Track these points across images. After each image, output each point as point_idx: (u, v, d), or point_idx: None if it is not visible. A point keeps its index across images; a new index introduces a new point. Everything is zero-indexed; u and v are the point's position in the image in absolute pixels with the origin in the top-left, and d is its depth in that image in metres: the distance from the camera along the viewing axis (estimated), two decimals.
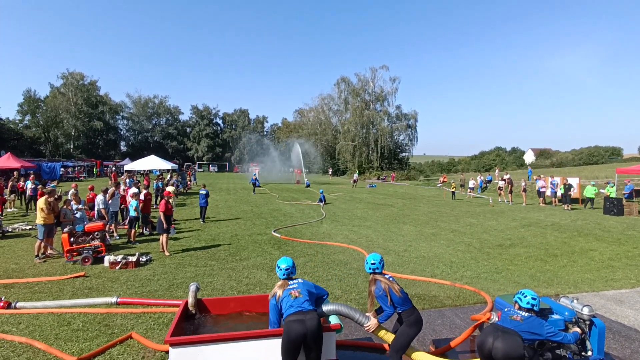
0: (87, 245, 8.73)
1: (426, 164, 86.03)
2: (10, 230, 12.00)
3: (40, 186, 16.12)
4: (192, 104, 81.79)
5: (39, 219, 8.70)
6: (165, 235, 9.27)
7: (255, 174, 30.13)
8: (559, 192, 19.48)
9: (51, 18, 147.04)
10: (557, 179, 20.30)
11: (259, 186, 28.70)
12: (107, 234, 9.97)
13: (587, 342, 3.85)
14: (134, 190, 11.57)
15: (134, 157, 49.38)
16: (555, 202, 19.91)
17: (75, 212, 10.43)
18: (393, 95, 54.72)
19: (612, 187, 18.05)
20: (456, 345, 4.49)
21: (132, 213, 10.58)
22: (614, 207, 16.42)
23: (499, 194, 22.97)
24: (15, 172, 20.21)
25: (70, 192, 11.75)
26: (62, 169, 34.65)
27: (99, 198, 11.10)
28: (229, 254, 9.25)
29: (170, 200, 10.05)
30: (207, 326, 4.11)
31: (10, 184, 17.51)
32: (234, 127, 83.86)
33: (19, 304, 5.69)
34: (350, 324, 4.96)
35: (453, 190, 24.69)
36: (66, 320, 5.23)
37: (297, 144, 45.03)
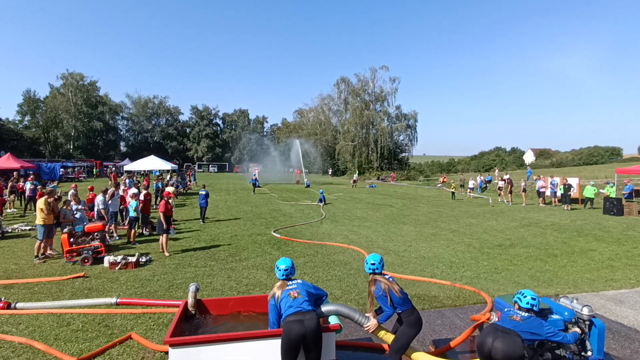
0: (87, 245, 8.72)
1: (426, 164, 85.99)
2: (9, 230, 12.00)
3: (39, 187, 16.11)
4: (192, 104, 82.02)
5: (39, 219, 8.70)
6: (165, 235, 9.27)
7: (255, 174, 30.13)
8: (559, 192, 19.50)
9: (51, 18, 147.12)
10: (557, 179, 20.31)
11: (259, 186, 28.71)
12: (106, 235, 9.97)
13: (587, 342, 3.84)
14: (133, 190, 11.57)
15: (133, 158, 49.36)
16: (555, 202, 19.92)
17: (75, 212, 10.43)
18: (393, 96, 54.80)
19: (612, 187, 18.05)
20: (456, 346, 4.49)
21: (132, 213, 10.58)
22: (613, 207, 16.43)
23: (499, 194, 22.97)
24: (14, 173, 20.20)
25: (69, 193, 11.74)
26: (61, 169, 34.65)
27: (99, 198, 11.09)
28: (228, 255, 9.25)
29: (170, 201, 10.05)
30: (207, 327, 4.11)
31: (9, 184, 17.50)
32: (233, 127, 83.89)
33: (18, 305, 5.68)
34: (350, 324, 4.96)
35: (453, 190, 24.70)
36: (66, 321, 5.23)
37: (296, 141, 45.07)
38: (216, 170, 70.53)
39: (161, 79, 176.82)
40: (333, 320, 3.66)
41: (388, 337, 3.72)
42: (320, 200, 20.22)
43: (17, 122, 59.89)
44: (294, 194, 27.06)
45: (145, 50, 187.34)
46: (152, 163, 27.92)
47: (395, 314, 3.68)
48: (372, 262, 3.79)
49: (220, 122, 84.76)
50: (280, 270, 3.75)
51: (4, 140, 48.88)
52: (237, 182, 38.57)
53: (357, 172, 46.02)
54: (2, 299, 5.72)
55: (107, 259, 8.04)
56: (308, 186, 33.44)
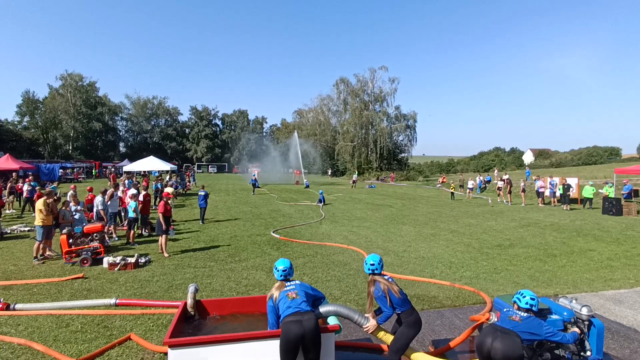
0: (86, 246, 8.71)
1: (425, 165, 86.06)
2: (8, 231, 11.98)
3: (38, 187, 16.09)
4: (191, 105, 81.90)
5: (38, 220, 8.68)
6: (164, 236, 9.26)
7: (254, 175, 30.12)
8: (558, 193, 19.52)
9: (50, 19, 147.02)
10: (556, 179, 20.33)
11: (259, 187, 28.71)
12: (106, 236, 9.96)
13: (586, 342, 3.85)
14: (132, 191, 11.56)
15: (133, 158, 49.31)
16: (554, 202, 19.94)
17: (74, 213, 10.42)
18: (392, 96, 54.82)
19: (611, 187, 18.08)
20: (455, 346, 4.49)
21: (131, 214, 10.57)
22: (612, 207, 16.45)
23: (498, 195, 22.99)
24: (13, 174, 20.18)
25: (68, 194, 11.73)
26: (60, 170, 34.60)
27: (98, 199, 11.08)
28: (228, 255, 9.24)
29: (169, 202, 10.04)
30: (206, 327, 4.11)
31: (8, 185, 17.48)
32: (233, 127, 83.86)
33: (17, 306, 5.67)
34: (349, 324, 4.96)
35: (452, 190, 24.71)
36: (65, 322, 5.22)
37: (295, 135, 45.08)
38: (215, 171, 70.51)
39: (161, 79, 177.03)
40: (332, 321, 3.66)
41: (387, 338, 3.72)
42: (320, 201, 20.22)
43: (16, 122, 59.78)
44: (293, 194, 27.07)
45: (145, 51, 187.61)
46: (151, 164, 27.92)
47: (394, 315, 3.68)
48: (372, 262, 3.79)
49: (219, 122, 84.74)
50: (278, 271, 3.76)
51: (3, 141, 48.82)
52: (237, 183, 38.57)
53: (356, 172, 46.03)
54: (1, 300, 5.71)
55: (106, 260, 8.03)
56: (307, 186, 33.45)
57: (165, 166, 28.48)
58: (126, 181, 17.62)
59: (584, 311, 3.88)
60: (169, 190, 15.05)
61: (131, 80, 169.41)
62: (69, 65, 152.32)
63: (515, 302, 3.63)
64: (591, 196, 18.47)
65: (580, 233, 12.27)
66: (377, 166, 52.84)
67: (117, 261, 7.93)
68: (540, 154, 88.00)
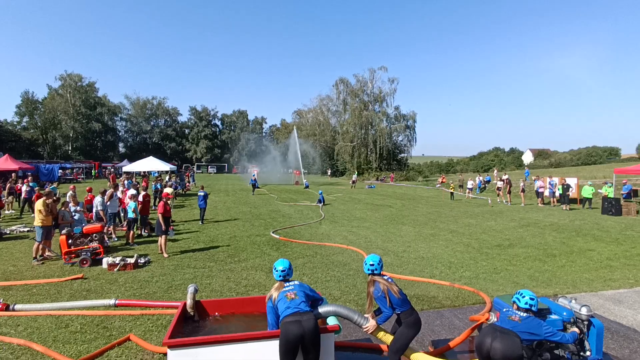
0: (85, 247, 8.70)
1: (425, 165, 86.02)
2: (8, 232, 11.96)
3: (37, 188, 16.07)
4: (191, 105, 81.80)
5: (37, 221, 8.67)
6: (163, 236, 9.26)
7: (254, 175, 30.13)
8: (557, 193, 19.54)
9: (49, 19, 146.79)
10: (556, 179, 20.36)
11: (258, 187, 28.71)
12: (105, 236, 9.95)
13: (586, 342, 3.85)
14: (132, 191, 11.56)
15: (132, 159, 49.27)
16: (553, 202, 19.97)
17: (74, 214, 10.42)
18: (392, 96, 54.90)
19: (610, 187, 18.09)
20: (455, 346, 4.49)
21: (131, 215, 10.56)
22: (612, 207, 16.47)
23: (498, 195, 23.01)
24: (13, 174, 20.16)
25: (68, 194, 11.73)
26: (60, 170, 34.56)
27: (97, 200, 11.07)
28: (227, 255, 9.24)
29: (169, 202, 10.04)
30: (206, 328, 4.11)
31: (8, 185, 17.47)
32: (232, 128, 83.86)
33: (17, 306, 5.67)
34: (349, 325, 4.96)
35: (452, 190, 24.73)
36: (64, 323, 5.22)
37: (294, 131, 45.11)
38: (215, 171, 70.49)
39: (160, 79, 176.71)
40: (332, 321, 3.66)
41: (387, 338, 3.72)
42: (319, 201, 20.22)
43: (15, 123, 59.75)
44: (292, 194, 27.07)
45: (144, 51, 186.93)
46: (150, 164, 27.91)
47: (394, 315, 3.68)
48: (371, 262, 3.79)
49: (219, 123, 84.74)
50: (277, 271, 3.76)
51: (2, 142, 48.79)
52: (236, 183, 38.56)
53: (356, 172, 46.05)
54: (1, 301, 5.70)
55: (106, 261, 8.03)
56: (307, 187, 33.45)
57: (165, 167, 28.47)
58: (125, 182, 17.62)
59: (584, 311, 3.88)
60: (168, 190, 15.05)
61: (131, 81, 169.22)
62: (68, 65, 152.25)
63: (514, 302, 3.64)
64: (590, 196, 18.48)
65: (580, 233, 12.28)
66: (377, 166, 52.87)
67: (117, 262, 7.92)
68: (539, 154, 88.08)
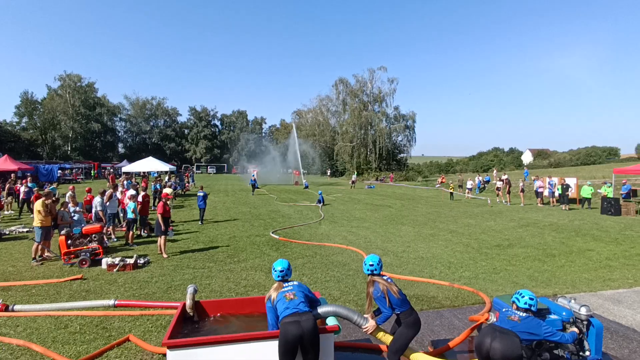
0: (85, 247, 8.69)
1: (424, 165, 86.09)
2: (7, 232, 11.95)
3: (36, 188, 16.05)
4: (190, 106, 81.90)
5: (36, 221, 8.67)
6: (163, 237, 9.25)
7: (253, 175, 30.15)
8: (557, 193, 19.55)
9: (49, 19, 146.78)
10: (555, 179, 20.38)
11: (258, 187, 28.70)
12: (104, 237, 9.93)
13: (585, 342, 3.85)
14: (131, 192, 11.55)
15: (131, 159, 49.28)
16: (553, 202, 19.98)
17: (73, 214, 10.40)
18: (391, 96, 54.95)
19: (609, 187, 18.11)
20: (454, 346, 4.49)
21: (130, 215, 10.55)
22: (611, 207, 16.49)
23: (497, 195, 23.02)
24: (12, 175, 20.14)
25: (67, 194, 11.71)
26: (59, 171, 34.54)
27: (97, 200, 11.06)
28: (227, 256, 9.23)
29: (168, 202, 10.03)
30: (205, 328, 4.10)
31: (7, 186, 17.44)
32: (232, 128, 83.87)
33: (16, 307, 5.66)
34: (348, 325, 4.96)
35: (451, 191, 24.74)
36: (63, 323, 5.21)
37: (294, 130, 45.11)
38: (214, 172, 70.48)
39: (160, 79, 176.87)
40: (331, 322, 3.65)
41: (386, 338, 3.72)
42: (319, 201, 20.22)
43: (14, 123, 59.72)
44: (292, 194, 27.06)
45: (144, 51, 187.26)
46: (150, 164, 27.95)
47: (393, 315, 3.68)
48: (371, 263, 3.79)
49: (218, 123, 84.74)
50: (276, 271, 3.76)
51: (1, 142, 48.79)
52: (236, 184, 38.56)
53: (355, 172, 46.07)
54: (0, 301, 5.70)
55: (105, 261, 8.02)
56: (307, 187, 33.45)
57: (164, 167, 28.50)
58: (125, 182, 17.59)
59: (583, 311, 3.88)
60: (167, 191, 15.06)
61: (130, 81, 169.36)
62: (68, 65, 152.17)
63: (514, 302, 3.64)
64: (590, 196, 18.50)
65: (579, 233, 12.29)
66: (376, 166, 52.91)
67: (116, 262, 7.91)
68: (539, 154, 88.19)
